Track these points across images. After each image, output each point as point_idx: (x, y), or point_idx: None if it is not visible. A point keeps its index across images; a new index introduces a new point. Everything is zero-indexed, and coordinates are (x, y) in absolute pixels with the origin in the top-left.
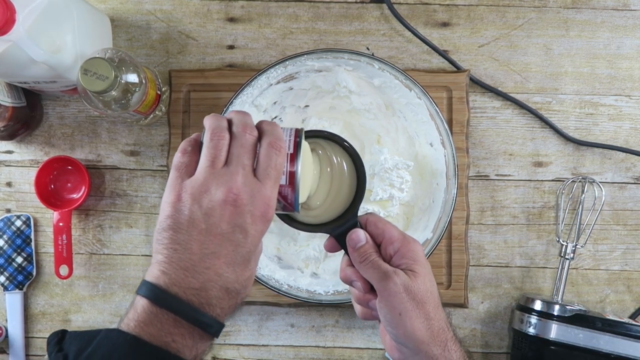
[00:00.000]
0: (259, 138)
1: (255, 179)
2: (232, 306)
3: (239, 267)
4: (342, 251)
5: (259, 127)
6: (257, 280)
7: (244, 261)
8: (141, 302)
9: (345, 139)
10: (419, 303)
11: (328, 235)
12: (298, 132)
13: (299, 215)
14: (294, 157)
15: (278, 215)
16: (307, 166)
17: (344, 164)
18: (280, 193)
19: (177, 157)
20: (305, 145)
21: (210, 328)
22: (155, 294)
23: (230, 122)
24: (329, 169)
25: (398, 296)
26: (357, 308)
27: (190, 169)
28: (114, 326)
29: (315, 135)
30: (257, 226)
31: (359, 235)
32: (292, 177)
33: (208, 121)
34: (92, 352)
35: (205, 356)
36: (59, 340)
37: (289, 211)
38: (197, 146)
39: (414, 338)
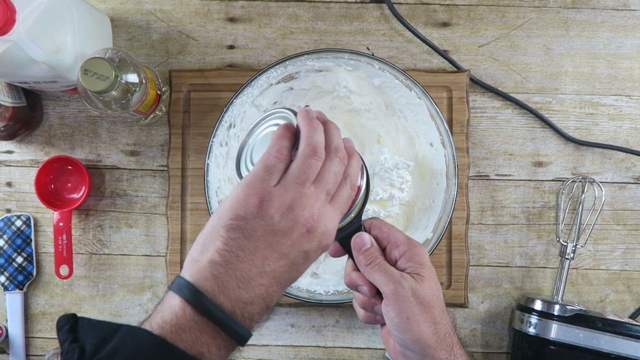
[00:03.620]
0: None
1: (330, 207)
2: (263, 319)
3: (284, 288)
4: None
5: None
6: None
7: (290, 284)
8: (180, 305)
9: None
10: (426, 307)
11: None
12: (363, 169)
13: None
14: (359, 190)
15: None
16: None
17: None
18: None
19: (274, 156)
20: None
21: (245, 340)
22: (200, 302)
23: (324, 134)
24: None
25: (406, 300)
26: (360, 312)
27: (278, 175)
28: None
29: None
30: (317, 255)
31: (364, 239)
32: (349, 207)
33: (306, 127)
34: (113, 350)
35: None
36: (72, 327)
37: None
38: (293, 145)
39: (421, 342)
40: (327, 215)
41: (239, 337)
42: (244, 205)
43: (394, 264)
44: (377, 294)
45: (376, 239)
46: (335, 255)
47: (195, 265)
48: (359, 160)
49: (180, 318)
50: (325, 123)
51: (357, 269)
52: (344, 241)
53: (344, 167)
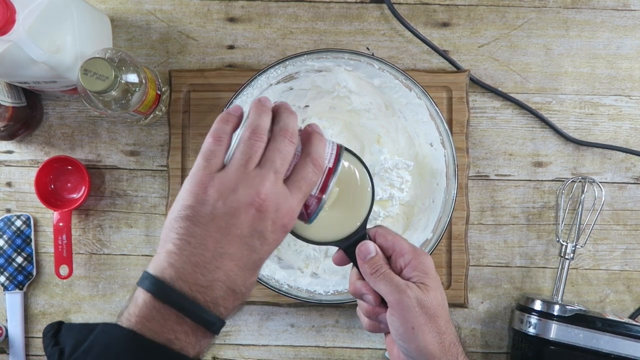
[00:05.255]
0: (302, 145)
1: (284, 187)
2: (235, 307)
3: (248, 271)
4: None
5: (306, 134)
6: (258, 280)
7: (254, 267)
8: (143, 296)
9: (359, 154)
10: (431, 317)
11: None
12: (340, 149)
13: (310, 231)
14: (331, 172)
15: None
16: (339, 184)
17: (359, 180)
18: (304, 202)
19: (209, 144)
20: (341, 164)
21: (213, 326)
22: (159, 289)
23: (274, 117)
24: (346, 187)
25: (412, 310)
26: (365, 321)
27: (218, 160)
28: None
29: None
30: (276, 235)
31: (369, 247)
32: (322, 191)
33: (251, 113)
34: (88, 347)
35: (206, 355)
36: (55, 332)
37: (301, 219)
38: (231, 133)
39: (426, 352)
40: (280, 194)
41: (206, 322)
42: (190, 194)
43: (399, 273)
44: (382, 302)
45: (381, 247)
46: (340, 263)
47: (156, 258)
48: (322, 140)
49: (143, 308)
50: (277, 108)
51: (361, 277)
52: (348, 249)
53: (294, 146)
